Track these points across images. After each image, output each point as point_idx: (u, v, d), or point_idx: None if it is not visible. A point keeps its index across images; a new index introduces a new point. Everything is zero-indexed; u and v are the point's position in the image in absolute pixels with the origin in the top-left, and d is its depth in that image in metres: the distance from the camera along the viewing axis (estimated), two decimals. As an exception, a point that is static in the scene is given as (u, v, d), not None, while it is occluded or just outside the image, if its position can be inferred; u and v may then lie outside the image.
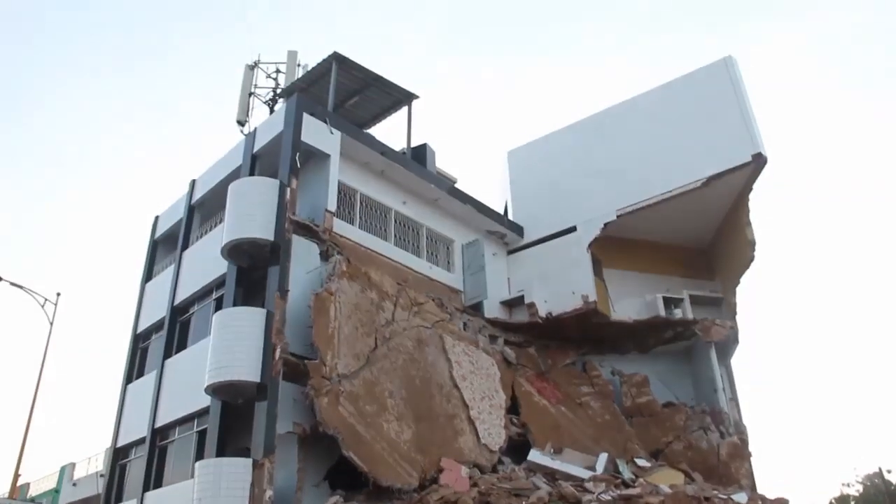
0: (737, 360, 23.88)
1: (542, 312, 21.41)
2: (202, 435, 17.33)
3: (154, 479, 18.77)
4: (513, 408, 20.07)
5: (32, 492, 27.19)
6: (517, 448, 19.16)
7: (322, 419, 15.39)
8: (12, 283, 22.55)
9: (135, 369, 22.31)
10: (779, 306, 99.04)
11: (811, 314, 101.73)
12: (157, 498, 18.25)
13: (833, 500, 35.01)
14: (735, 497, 17.47)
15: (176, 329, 20.56)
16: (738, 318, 22.77)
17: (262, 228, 17.02)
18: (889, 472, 31.68)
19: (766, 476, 64.78)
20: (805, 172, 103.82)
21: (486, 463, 18.17)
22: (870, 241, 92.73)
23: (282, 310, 16.27)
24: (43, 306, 22.44)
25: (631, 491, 16.78)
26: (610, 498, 16.29)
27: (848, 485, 35.41)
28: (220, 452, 15.96)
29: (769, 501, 17.76)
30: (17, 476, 21.05)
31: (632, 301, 22.30)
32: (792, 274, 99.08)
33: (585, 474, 17.88)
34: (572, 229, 22.76)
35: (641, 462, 19.50)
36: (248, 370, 15.76)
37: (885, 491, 29.34)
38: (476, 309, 21.38)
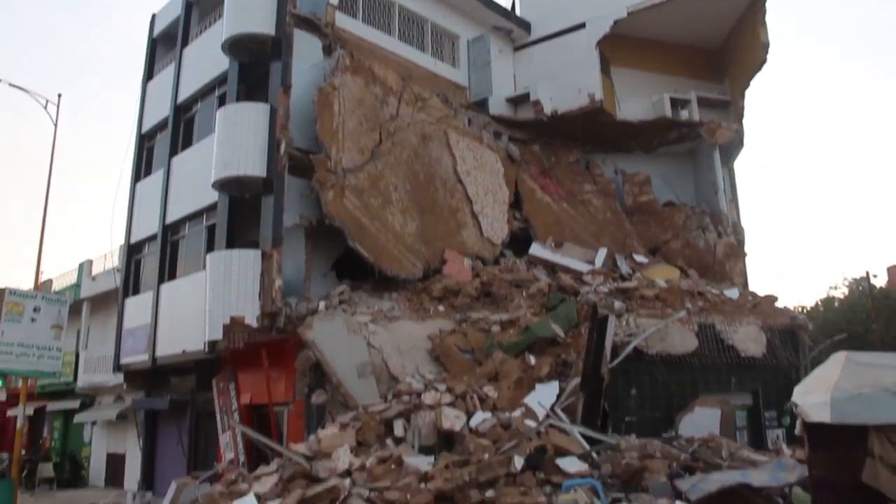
0: (740, 164, 23.92)
1: (548, 110, 21.14)
2: (211, 230, 17.80)
3: (168, 272, 19.51)
4: (516, 203, 20.37)
5: (55, 287, 28.23)
6: (519, 242, 19.65)
7: (328, 212, 15.76)
8: (12, 85, 22.09)
9: (142, 168, 22.57)
10: (785, 113, 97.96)
11: (816, 121, 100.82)
12: (171, 289, 19.04)
13: (819, 301, 36.15)
14: (727, 292, 18.06)
15: (180, 127, 20.58)
16: (744, 121, 22.60)
17: (262, 22, 16.61)
18: (875, 276, 32.51)
19: (759, 276, 67.10)
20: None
21: (489, 255, 18.72)
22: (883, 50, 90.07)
23: (285, 105, 16.20)
24: (45, 107, 22.13)
25: (628, 284, 17.36)
26: (607, 290, 16.87)
27: (835, 287, 36.49)
28: (230, 246, 16.47)
29: (759, 298, 18.29)
30: (38, 272, 21.77)
31: (638, 101, 21.95)
32: (801, 81, 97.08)
33: (584, 268, 18.42)
34: (581, 26, 21.90)
35: (639, 258, 20.02)
36: (253, 165, 15.98)
37: (869, 294, 30.24)
38: (481, 105, 21.12)
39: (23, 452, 20.72)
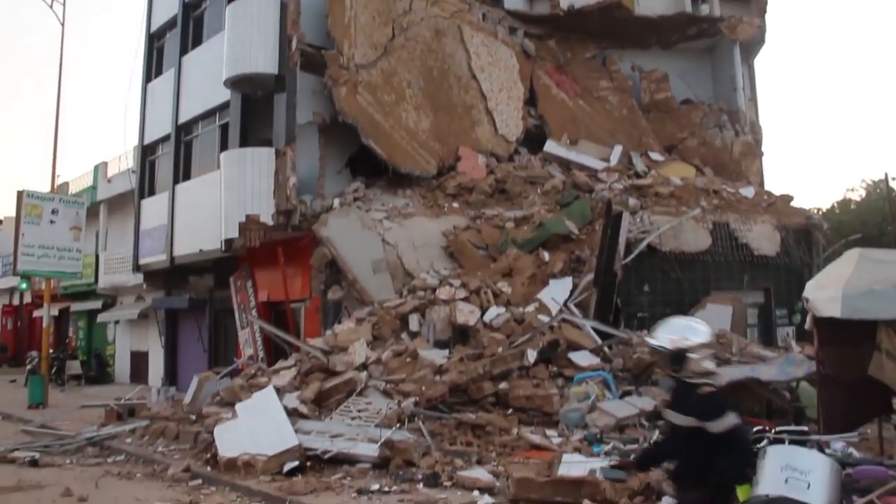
0: (760, 61, 23.28)
1: (564, 5, 20.35)
2: (224, 129, 17.77)
3: (182, 172, 19.57)
4: (530, 100, 19.98)
5: (72, 189, 28.34)
6: (534, 139, 19.38)
7: (341, 108, 15.65)
8: (15, -19, 21.57)
9: (153, 68, 22.35)
10: (810, 7, 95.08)
11: (842, 16, 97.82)
12: (186, 189, 19.15)
13: (835, 203, 35.65)
14: (742, 191, 17.96)
15: (190, 25, 20.28)
16: (766, 16, 21.89)
17: (270, -87, 16.12)
18: (894, 179, 31.81)
19: (776, 176, 66.25)
20: None
21: (503, 152, 18.55)
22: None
23: (296, -1, 15.90)
24: (51, 6, 21.65)
25: (642, 181, 17.30)
26: (622, 187, 16.83)
27: (852, 189, 35.90)
28: (243, 144, 16.48)
29: (775, 197, 18.18)
30: (54, 175, 21.87)
31: (658, -7, 21.24)
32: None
33: (599, 165, 18.29)
34: (600, -86, 21.06)
35: (655, 156, 19.79)
36: (264, 62, 15.86)
37: (886, 196, 29.79)
38: (495, 0, 20.55)
39: (51, 351, 21.30)
